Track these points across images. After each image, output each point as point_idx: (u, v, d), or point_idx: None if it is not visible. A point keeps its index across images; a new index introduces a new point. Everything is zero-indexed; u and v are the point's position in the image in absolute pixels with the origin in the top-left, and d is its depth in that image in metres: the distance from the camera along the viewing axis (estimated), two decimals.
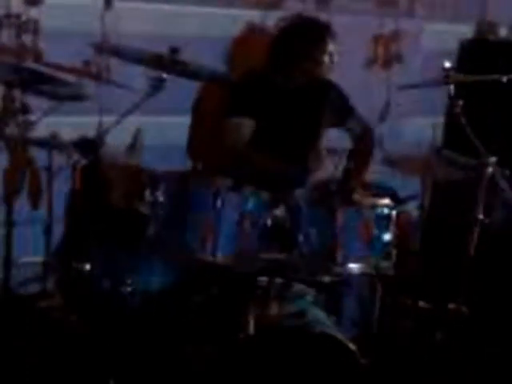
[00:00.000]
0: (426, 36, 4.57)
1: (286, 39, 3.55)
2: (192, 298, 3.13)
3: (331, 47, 3.52)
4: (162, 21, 3.92)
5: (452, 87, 3.30)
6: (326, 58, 3.51)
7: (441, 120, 4.23)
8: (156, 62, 3.07)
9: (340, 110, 3.67)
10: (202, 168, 3.05)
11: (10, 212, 3.50)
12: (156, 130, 3.73)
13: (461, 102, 3.27)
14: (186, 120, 3.92)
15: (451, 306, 3.40)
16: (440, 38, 4.50)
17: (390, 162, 3.49)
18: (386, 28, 4.37)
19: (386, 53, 4.38)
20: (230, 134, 3.48)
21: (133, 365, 3.02)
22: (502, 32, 4.50)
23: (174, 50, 3.05)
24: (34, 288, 3.49)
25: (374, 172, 3.64)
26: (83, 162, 3.10)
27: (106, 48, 3.44)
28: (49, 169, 3.38)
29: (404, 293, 3.41)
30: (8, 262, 3.49)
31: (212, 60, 3.70)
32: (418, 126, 4.32)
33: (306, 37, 3.51)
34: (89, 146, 3.07)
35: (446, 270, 3.53)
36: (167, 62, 3.05)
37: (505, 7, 4.46)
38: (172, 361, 3.00)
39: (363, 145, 3.69)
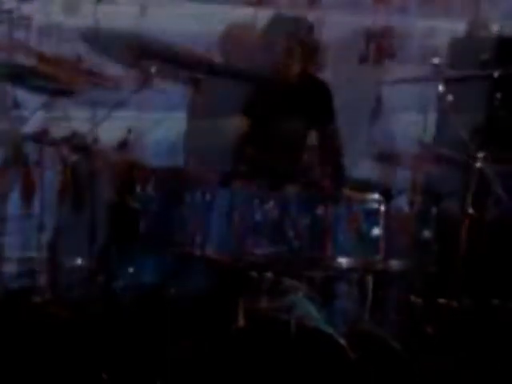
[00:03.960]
0: (418, 32, 4.58)
1: None
2: (183, 291, 3.14)
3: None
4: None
5: (442, 83, 3.32)
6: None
7: (432, 116, 4.24)
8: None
9: (324, 112, 3.68)
10: (195, 164, 3.07)
11: (2, 208, 3.51)
12: (147, 126, 3.74)
13: (450, 98, 3.29)
14: (177, 116, 3.93)
15: (442, 300, 3.41)
16: (432, 35, 4.50)
17: (382, 158, 3.50)
18: (378, 24, 4.38)
19: (378, 49, 4.39)
20: (224, 130, 3.50)
21: (126, 359, 3.03)
22: (494, 28, 4.51)
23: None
24: (26, 283, 3.50)
25: (365, 168, 3.66)
26: (74, 157, 3.12)
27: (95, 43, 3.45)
28: (40, 164, 3.39)
29: (395, 287, 3.43)
30: (0, 257, 3.50)
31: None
32: (410, 123, 4.34)
33: None
34: (79, 141, 3.08)
35: (437, 264, 3.54)
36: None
37: (497, 3, 4.47)
38: (164, 354, 3.01)
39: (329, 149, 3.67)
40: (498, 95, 3.87)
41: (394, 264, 3.16)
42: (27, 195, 3.64)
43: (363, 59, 4.38)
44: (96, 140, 3.22)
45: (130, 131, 3.24)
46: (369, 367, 3.00)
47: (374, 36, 4.37)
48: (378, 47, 4.38)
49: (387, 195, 3.15)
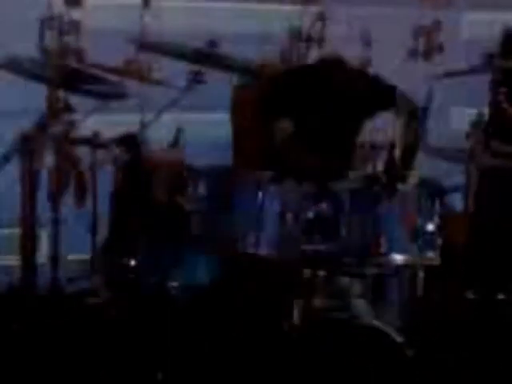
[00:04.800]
0: (467, 25, 4.52)
1: None
2: (236, 290, 3.14)
3: None
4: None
5: (495, 74, 3.26)
6: None
7: (485, 109, 4.18)
8: (195, 56, 3.09)
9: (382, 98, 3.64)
10: (244, 164, 3.07)
11: (56, 211, 3.55)
12: (197, 127, 3.75)
13: (504, 89, 3.23)
14: (226, 117, 3.94)
15: (500, 296, 3.36)
16: (482, 27, 4.44)
17: (435, 152, 3.46)
18: (427, 19, 4.34)
19: (428, 44, 4.34)
20: (270, 132, 3.49)
21: (181, 359, 3.04)
22: None
23: (213, 44, 3.07)
24: (81, 285, 3.54)
25: (418, 163, 3.61)
26: (125, 157, 3.14)
27: (146, 44, 3.47)
28: (93, 167, 3.42)
29: (451, 284, 3.38)
30: (56, 260, 3.55)
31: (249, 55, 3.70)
32: (462, 116, 4.28)
33: None
34: (130, 142, 3.10)
35: (494, 261, 3.49)
36: (206, 56, 3.07)
37: None
38: (219, 353, 3.01)
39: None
40: None
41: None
42: (80, 197, 3.68)
43: (412, 54, 4.34)
44: (146, 141, 3.24)
45: (180, 131, 3.25)
46: (424, 364, 2.97)
47: (423, 30, 4.32)
48: (427, 41, 4.34)
49: (440, 191, 3.11)
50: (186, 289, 3.15)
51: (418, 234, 3.00)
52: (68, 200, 3.72)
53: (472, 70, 3.57)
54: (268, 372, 2.91)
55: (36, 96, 3.60)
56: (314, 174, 3.14)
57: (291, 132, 3.47)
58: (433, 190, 3.10)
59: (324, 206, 2.98)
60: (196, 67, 3.12)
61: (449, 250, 3.13)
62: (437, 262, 3.06)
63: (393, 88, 3.65)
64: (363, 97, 3.56)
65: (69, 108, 3.28)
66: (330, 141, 3.51)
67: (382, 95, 3.63)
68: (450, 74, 3.68)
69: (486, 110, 4.07)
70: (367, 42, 3.60)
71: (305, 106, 3.51)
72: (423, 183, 3.14)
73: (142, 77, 3.53)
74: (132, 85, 3.46)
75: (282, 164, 3.32)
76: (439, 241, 3.04)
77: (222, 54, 3.16)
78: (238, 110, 3.80)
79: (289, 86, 3.53)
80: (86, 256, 3.56)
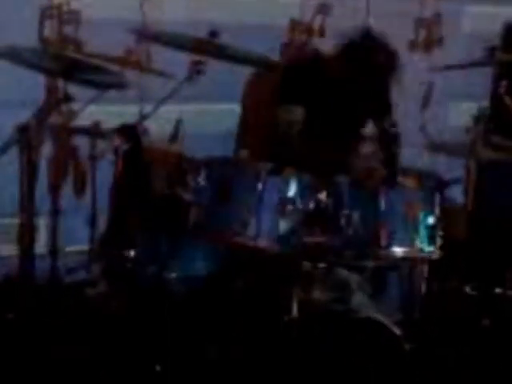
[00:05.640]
0: (468, 19, 4.50)
1: None
2: (235, 282, 3.13)
3: None
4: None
5: (496, 68, 3.25)
6: None
7: (485, 103, 4.17)
8: (196, 46, 3.08)
9: (381, 103, 3.63)
10: (247, 156, 3.06)
11: (55, 201, 3.54)
12: (196, 117, 3.74)
13: (505, 83, 3.22)
14: (226, 108, 3.93)
15: (498, 291, 3.36)
16: (483, 21, 4.43)
17: (434, 147, 3.45)
18: (427, 11, 4.32)
19: (428, 36, 4.33)
20: (283, 120, 3.47)
21: (178, 350, 3.04)
22: None
23: (214, 34, 3.05)
24: (80, 276, 3.53)
25: (418, 157, 3.61)
26: (125, 147, 3.12)
27: (146, 34, 3.46)
28: (92, 158, 3.41)
29: (450, 277, 3.38)
30: (54, 250, 3.54)
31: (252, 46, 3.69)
32: (462, 110, 4.27)
33: None
34: (130, 133, 3.08)
35: (493, 255, 3.48)
36: (207, 46, 3.05)
37: None
38: (216, 345, 3.01)
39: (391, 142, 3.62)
40: None
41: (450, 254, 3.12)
42: (79, 188, 3.67)
43: (412, 46, 4.33)
44: (146, 131, 3.22)
45: (180, 122, 3.23)
46: (423, 357, 2.96)
47: (423, 23, 4.31)
48: (428, 34, 4.33)
49: (442, 184, 3.10)
50: (185, 280, 3.14)
51: (418, 227, 2.99)
52: (67, 191, 3.72)
53: (473, 64, 3.56)
54: (267, 364, 2.91)
55: (35, 86, 3.59)
56: (321, 164, 3.13)
57: (302, 120, 3.45)
58: (433, 184, 3.09)
59: (324, 197, 2.97)
60: (197, 57, 3.10)
61: (449, 243, 3.12)
62: (437, 255, 3.05)
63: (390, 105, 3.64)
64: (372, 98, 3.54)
65: (68, 98, 3.26)
66: (339, 134, 3.49)
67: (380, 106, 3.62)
68: (450, 67, 3.67)
69: (486, 104, 4.08)
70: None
71: (316, 94, 3.49)
72: (424, 176, 3.13)
73: (142, 67, 3.51)
74: (132, 75, 3.44)
75: (286, 154, 3.30)
76: (440, 234, 3.03)
77: (224, 44, 3.14)
78: (249, 98, 3.78)
79: (301, 74, 3.51)
80: (85, 247, 3.55)
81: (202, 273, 3.15)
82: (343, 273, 3.10)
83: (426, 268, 3.20)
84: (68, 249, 3.70)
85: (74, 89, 3.34)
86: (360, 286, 3.11)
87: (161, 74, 3.32)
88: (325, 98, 3.51)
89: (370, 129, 3.15)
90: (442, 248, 3.06)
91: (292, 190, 2.96)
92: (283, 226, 2.94)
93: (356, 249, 3.00)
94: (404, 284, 3.25)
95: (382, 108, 3.61)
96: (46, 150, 3.70)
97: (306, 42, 3.99)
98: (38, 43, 3.63)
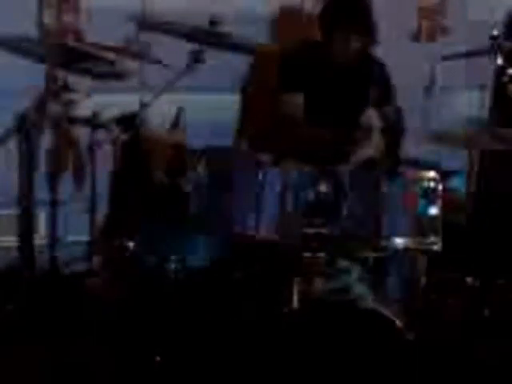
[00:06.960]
0: (472, 7, 4.47)
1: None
2: (235, 273, 3.12)
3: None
4: None
5: (500, 57, 3.22)
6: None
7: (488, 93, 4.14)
8: (195, 34, 3.06)
9: (381, 91, 3.61)
10: (247, 146, 3.04)
11: (54, 191, 3.53)
12: (197, 107, 3.72)
13: (510, 71, 3.19)
14: (226, 98, 3.91)
15: (499, 281, 3.34)
16: (487, 9, 4.40)
17: (436, 137, 3.43)
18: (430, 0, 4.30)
19: (431, 25, 4.31)
20: (285, 108, 3.44)
21: (178, 341, 3.03)
22: None
23: (214, 22, 3.04)
24: (80, 267, 3.52)
25: (420, 147, 3.59)
26: (124, 137, 3.11)
27: (146, 23, 3.44)
28: (92, 148, 3.39)
29: (451, 268, 3.36)
30: (54, 241, 3.53)
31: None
32: (465, 100, 4.24)
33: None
34: (129, 122, 3.07)
35: (495, 246, 3.46)
36: (206, 34, 3.04)
37: None
38: (216, 336, 3.00)
39: (393, 131, 3.60)
40: None
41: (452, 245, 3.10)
42: (78, 177, 3.66)
43: (415, 36, 4.31)
44: (145, 121, 3.20)
45: (181, 110, 3.21)
46: (425, 348, 2.95)
47: (426, 12, 4.29)
48: (431, 24, 4.30)
49: (443, 174, 3.08)
50: (185, 270, 3.13)
51: (419, 217, 2.97)
52: (67, 181, 3.71)
53: (477, 52, 3.53)
54: (267, 355, 2.90)
55: (35, 76, 3.57)
56: (320, 152, 3.10)
57: (302, 105, 3.42)
58: (435, 174, 3.07)
59: (324, 187, 2.95)
60: (196, 46, 3.09)
61: (450, 233, 3.11)
62: (438, 245, 3.03)
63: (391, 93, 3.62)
64: (373, 85, 3.51)
65: (67, 87, 3.25)
66: (338, 122, 3.47)
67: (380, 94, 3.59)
68: (454, 56, 3.64)
69: (488, 93, 4.05)
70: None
71: (317, 80, 3.47)
72: (425, 166, 3.11)
73: (142, 56, 3.50)
74: (131, 64, 3.43)
75: (285, 142, 3.28)
76: (441, 224, 3.01)
77: (223, 33, 3.12)
78: (253, 85, 3.75)
79: (301, 60, 3.49)
80: (85, 237, 3.54)
81: (202, 263, 3.14)
82: (344, 263, 3.08)
83: (426, 259, 3.19)
84: (68, 239, 3.69)
85: (73, 78, 3.33)
86: (361, 276, 3.09)
87: (160, 63, 3.31)
88: (324, 84, 3.48)
89: (370, 116, 3.14)
90: (443, 238, 3.04)
91: (293, 181, 2.94)
92: (284, 217, 2.92)
93: (356, 239, 2.98)
94: (405, 275, 3.23)
95: (383, 94, 3.59)
96: (46, 139, 3.69)
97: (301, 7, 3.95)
98: (38, 32, 3.61)
